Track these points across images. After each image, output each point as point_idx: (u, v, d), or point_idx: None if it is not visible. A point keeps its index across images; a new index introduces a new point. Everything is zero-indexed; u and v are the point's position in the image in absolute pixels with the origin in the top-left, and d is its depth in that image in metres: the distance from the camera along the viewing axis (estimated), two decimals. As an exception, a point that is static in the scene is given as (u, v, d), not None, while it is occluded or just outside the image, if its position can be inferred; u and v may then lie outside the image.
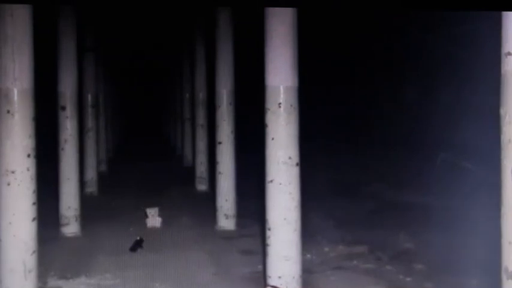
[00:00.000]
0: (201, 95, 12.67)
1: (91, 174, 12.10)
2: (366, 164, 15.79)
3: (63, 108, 8.77)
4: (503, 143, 3.67)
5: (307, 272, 6.54)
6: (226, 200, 9.06)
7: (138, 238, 8.09)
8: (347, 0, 4.24)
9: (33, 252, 5.45)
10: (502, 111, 3.68)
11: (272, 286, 5.79)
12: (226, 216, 9.03)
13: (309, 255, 7.38)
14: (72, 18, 8.83)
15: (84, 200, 10.03)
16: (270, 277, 5.84)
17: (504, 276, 3.68)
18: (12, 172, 5.30)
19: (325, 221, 9.46)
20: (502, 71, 3.69)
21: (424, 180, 12.50)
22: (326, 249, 7.81)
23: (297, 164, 5.79)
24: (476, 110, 12.32)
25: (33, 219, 5.44)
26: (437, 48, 15.71)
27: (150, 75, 27.09)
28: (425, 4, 4.08)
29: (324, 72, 21.08)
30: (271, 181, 5.76)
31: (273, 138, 5.76)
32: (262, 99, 5.88)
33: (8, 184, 5.30)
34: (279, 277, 5.78)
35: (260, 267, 6.85)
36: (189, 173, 13.96)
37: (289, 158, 5.75)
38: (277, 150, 5.76)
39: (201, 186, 12.54)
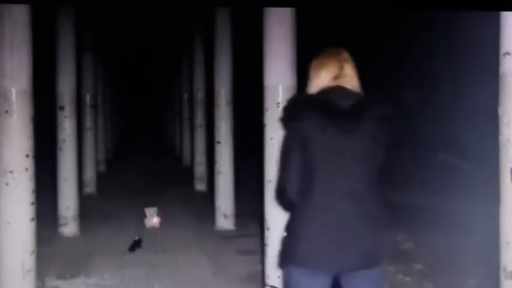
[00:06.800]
0: (200, 95, 12.66)
1: (90, 174, 12.09)
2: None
3: (62, 108, 8.76)
4: (501, 143, 3.67)
5: (306, 272, 6.52)
6: (225, 200, 9.05)
7: (136, 238, 8.08)
8: (347, 0, 4.23)
9: (32, 252, 5.44)
10: (501, 111, 3.67)
11: (271, 286, 5.78)
12: (225, 216, 9.03)
13: (307, 255, 7.36)
14: (71, 18, 8.82)
15: (83, 200, 10.04)
16: (268, 277, 5.82)
17: (503, 276, 3.68)
18: (11, 172, 5.27)
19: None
20: (500, 71, 3.68)
21: (423, 180, 12.50)
22: (325, 249, 7.79)
23: (296, 164, 5.77)
24: (476, 110, 12.32)
25: (32, 219, 5.42)
26: (437, 48, 15.71)
27: (149, 75, 27.09)
28: (424, 4, 4.07)
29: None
30: (270, 181, 5.74)
31: (271, 138, 5.74)
32: (261, 99, 5.86)
33: (7, 184, 5.28)
34: (278, 277, 5.76)
35: (259, 267, 6.84)
36: (188, 173, 13.97)
37: (288, 158, 5.72)
38: (276, 150, 5.74)
39: (200, 186, 12.53)
